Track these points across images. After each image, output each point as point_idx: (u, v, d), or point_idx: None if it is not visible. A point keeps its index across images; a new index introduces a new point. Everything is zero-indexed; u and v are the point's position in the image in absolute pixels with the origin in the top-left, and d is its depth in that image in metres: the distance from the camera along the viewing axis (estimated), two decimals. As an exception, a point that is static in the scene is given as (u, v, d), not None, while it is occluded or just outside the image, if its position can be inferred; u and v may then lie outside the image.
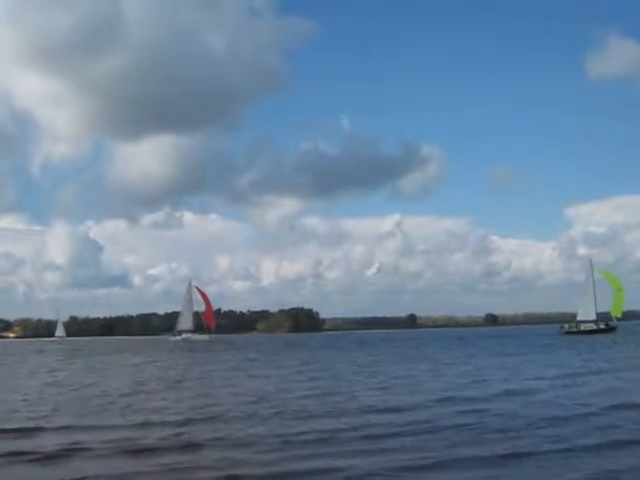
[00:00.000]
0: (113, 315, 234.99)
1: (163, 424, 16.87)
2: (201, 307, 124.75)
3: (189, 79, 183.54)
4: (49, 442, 14.44)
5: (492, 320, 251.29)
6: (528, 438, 14.01)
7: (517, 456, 12.38)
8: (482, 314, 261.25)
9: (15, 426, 16.80)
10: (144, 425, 16.72)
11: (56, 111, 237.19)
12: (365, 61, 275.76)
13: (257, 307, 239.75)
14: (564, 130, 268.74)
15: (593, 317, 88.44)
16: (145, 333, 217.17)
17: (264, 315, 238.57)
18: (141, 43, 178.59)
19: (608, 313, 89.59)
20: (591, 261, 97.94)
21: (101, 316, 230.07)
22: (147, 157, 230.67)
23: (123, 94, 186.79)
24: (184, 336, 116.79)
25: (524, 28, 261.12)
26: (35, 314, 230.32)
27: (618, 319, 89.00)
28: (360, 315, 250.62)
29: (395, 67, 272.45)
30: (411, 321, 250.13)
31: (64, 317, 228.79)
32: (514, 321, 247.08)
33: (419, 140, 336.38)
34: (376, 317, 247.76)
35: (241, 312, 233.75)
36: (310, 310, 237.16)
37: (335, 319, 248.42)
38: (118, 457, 12.97)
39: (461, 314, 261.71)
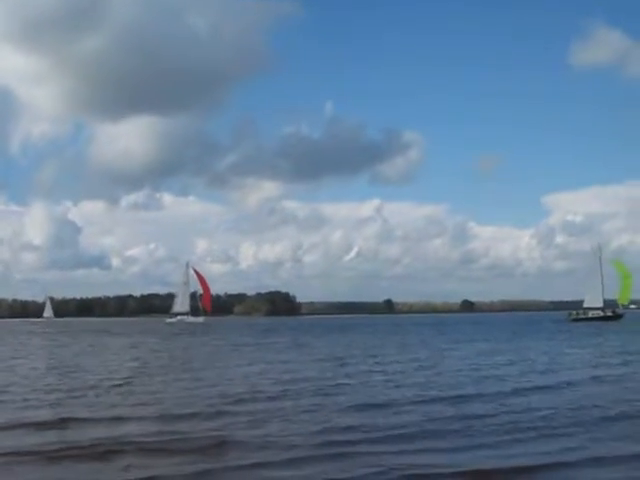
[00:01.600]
0: (89, 296, 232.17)
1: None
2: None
3: (172, 60, 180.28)
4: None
5: (469, 306, 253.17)
6: None
7: None
8: (458, 300, 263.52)
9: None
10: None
11: (37, 89, 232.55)
12: (350, 46, 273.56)
13: (235, 290, 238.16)
14: (545, 119, 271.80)
15: (600, 304, 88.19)
16: (121, 314, 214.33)
17: (241, 298, 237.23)
18: (124, 23, 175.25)
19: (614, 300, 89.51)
20: (600, 247, 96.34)
21: (77, 297, 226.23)
22: (128, 138, 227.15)
23: (105, 74, 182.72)
24: (179, 318, 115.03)
25: (510, 17, 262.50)
26: (9, 295, 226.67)
27: (624, 306, 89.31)
28: (337, 300, 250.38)
29: (380, 54, 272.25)
30: (388, 307, 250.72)
31: (41, 297, 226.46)
32: (490, 308, 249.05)
33: (401, 127, 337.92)
34: (353, 302, 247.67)
35: (217, 295, 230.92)
36: (287, 294, 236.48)
37: (312, 303, 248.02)
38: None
39: (437, 300, 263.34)
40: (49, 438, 12.48)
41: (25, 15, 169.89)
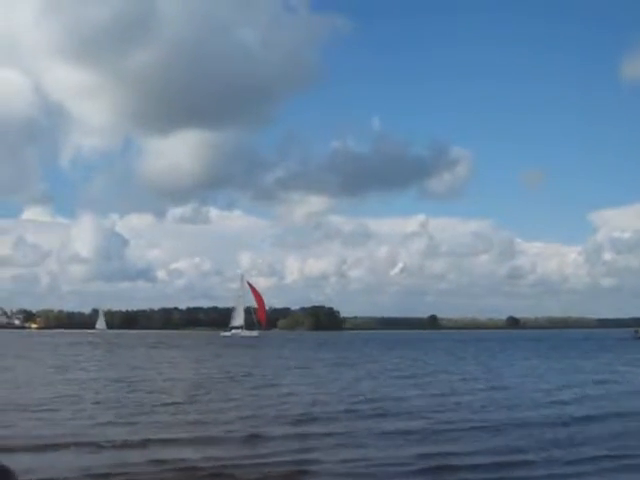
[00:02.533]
0: (134, 308, 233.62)
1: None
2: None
3: (222, 74, 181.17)
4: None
5: (514, 323, 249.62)
6: None
7: None
8: (503, 317, 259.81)
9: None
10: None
11: (88, 104, 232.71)
12: (398, 61, 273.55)
13: (279, 304, 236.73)
14: (593, 134, 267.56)
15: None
16: (166, 327, 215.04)
17: (285, 312, 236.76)
18: (175, 37, 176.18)
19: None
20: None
21: (122, 309, 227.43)
22: (176, 151, 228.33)
23: (155, 88, 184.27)
24: (233, 332, 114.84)
25: (559, 31, 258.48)
26: (56, 306, 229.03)
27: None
28: (380, 315, 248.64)
29: (428, 68, 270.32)
30: (432, 322, 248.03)
31: (87, 309, 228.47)
32: (536, 325, 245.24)
33: (448, 142, 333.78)
34: (397, 317, 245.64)
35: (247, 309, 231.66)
36: (331, 309, 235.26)
37: (355, 318, 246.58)
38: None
39: (482, 316, 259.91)
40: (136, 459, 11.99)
41: (77, 30, 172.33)
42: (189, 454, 12.62)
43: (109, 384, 26.44)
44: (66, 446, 13.20)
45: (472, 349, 64.69)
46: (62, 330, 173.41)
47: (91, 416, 17.57)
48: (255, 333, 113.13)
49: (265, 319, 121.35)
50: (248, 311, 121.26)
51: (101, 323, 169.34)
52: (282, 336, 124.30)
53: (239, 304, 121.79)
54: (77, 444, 13.44)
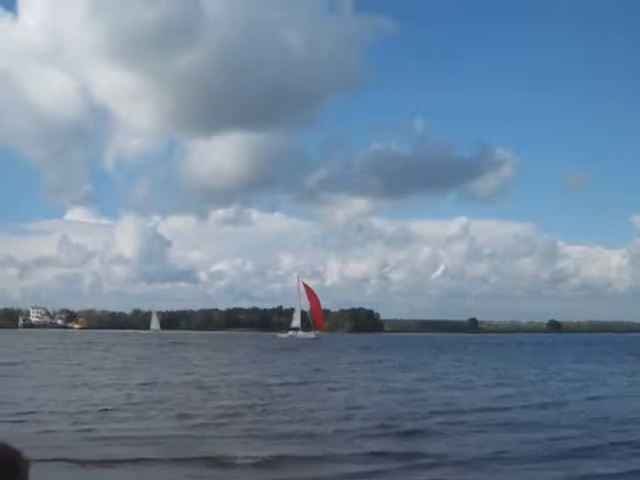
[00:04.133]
0: (174, 309, 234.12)
1: None
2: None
3: (266, 76, 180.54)
4: None
5: (555, 327, 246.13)
6: None
7: None
8: (544, 320, 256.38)
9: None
10: None
11: (133, 106, 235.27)
12: (441, 62, 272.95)
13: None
14: (636, 136, 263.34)
15: None
16: (206, 328, 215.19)
17: (325, 314, 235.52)
18: (219, 39, 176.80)
19: None
20: None
21: (163, 310, 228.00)
22: (219, 153, 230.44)
23: (199, 90, 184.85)
24: (290, 333, 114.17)
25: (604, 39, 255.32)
26: (98, 306, 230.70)
27: None
28: (420, 318, 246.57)
29: (472, 71, 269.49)
30: (472, 325, 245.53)
31: (128, 309, 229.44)
32: (578, 329, 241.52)
33: (493, 143, 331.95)
34: (437, 320, 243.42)
35: (303, 311, 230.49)
36: (370, 311, 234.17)
37: (395, 320, 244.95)
38: None
39: (522, 320, 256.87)
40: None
41: (123, 32, 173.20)
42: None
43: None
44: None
45: (546, 353, 63.05)
46: (110, 330, 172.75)
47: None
48: (312, 335, 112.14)
49: (322, 321, 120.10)
50: (302, 313, 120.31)
51: (155, 324, 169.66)
52: (337, 338, 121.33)
53: (297, 305, 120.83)
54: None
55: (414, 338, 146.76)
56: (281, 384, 27.12)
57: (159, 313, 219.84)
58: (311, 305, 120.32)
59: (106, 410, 20.14)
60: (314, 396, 24.09)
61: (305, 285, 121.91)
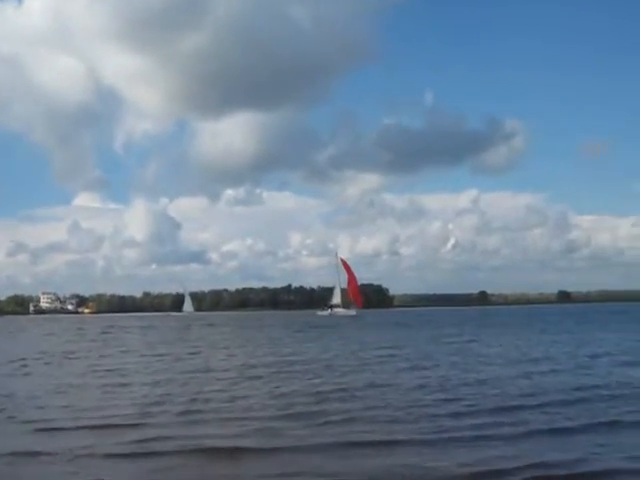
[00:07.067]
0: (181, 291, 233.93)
1: None
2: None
3: (274, 54, 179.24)
4: None
5: (565, 297, 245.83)
6: None
7: None
8: (553, 291, 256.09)
9: None
10: None
11: (142, 88, 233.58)
12: (450, 36, 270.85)
13: (330, 283, 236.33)
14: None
15: None
16: (216, 308, 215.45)
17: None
18: (225, 18, 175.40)
19: None
20: None
21: (173, 292, 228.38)
22: (229, 134, 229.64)
23: (207, 70, 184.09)
24: (331, 311, 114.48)
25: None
26: (108, 290, 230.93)
27: None
28: (431, 292, 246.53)
29: (480, 42, 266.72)
30: (482, 298, 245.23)
31: (138, 292, 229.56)
32: (587, 299, 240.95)
33: (504, 114, 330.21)
34: (446, 294, 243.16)
35: (311, 288, 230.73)
36: (379, 286, 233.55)
37: (404, 295, 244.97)
38: None
39: (532, 291, 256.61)
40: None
41: (130, 14, 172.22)
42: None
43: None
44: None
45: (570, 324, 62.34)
46: (137, 314, 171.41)
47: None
48: (353, 312, 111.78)
49: (360, 298, 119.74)
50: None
51: (188, 306, 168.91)
52: (375, 316, 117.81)
53: (336, 282, 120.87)
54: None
55: (426, 312, 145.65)
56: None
57: (168, 295, 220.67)
58: (349, 282, 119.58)
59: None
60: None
61: (343, 261, 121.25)
